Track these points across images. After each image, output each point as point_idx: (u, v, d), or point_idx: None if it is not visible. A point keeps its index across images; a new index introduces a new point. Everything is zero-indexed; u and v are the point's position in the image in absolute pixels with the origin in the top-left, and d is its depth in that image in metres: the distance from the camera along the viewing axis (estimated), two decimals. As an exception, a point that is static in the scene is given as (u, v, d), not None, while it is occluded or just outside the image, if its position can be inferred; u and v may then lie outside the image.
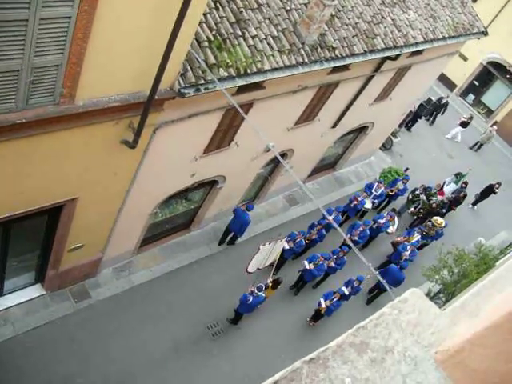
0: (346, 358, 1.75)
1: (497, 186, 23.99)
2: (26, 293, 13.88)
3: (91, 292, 14.79)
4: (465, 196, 23.05)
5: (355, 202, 19.54)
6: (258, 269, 14.98)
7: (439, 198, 22.03)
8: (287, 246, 16.40)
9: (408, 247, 18.49)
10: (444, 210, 21.93)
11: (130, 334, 14.47)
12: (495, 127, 28.15)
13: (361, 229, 18.37)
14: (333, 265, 16.97)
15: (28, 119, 8.12)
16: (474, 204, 24.65)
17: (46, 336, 13.52)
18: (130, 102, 9.31)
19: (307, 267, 16.66)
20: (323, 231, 17.68)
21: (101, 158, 10.35)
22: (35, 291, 14.02)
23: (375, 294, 18.30)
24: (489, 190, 24.17)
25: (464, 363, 1.73)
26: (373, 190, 20.25)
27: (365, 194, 20.00)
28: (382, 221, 19.31)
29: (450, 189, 23.10)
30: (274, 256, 15.22)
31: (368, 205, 20.02)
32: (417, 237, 19.15)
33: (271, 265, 15.59)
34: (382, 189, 20.39)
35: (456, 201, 22.78)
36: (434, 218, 20.21)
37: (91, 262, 14.18)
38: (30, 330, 13.47)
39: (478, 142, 28.08)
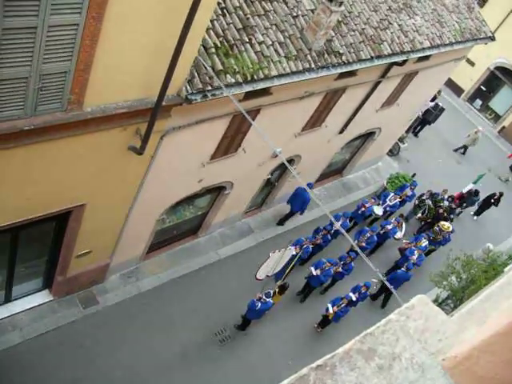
0: (354, 364, 1.74)
1: (497, 196, 23.73)
2: (33, 299, 13.92)
3: (99, 298, 14.81)
4: (471, 194, 23.27)
5: (363, 209, 19.55)
6: (267, 276, 14.96)
7: (446, 203, 21.95)
8: (294, 252, 16.37)
9: (415, 251, 18.47)
10: (452, 216, 21.89)
11: (137, 340, 14.47)
12: (481, 128, 27.88)
13: (368, 235, 18.34)
14: (340, 270, 16.93)
15: (36, 126, 8.16)
16: (478, 214, 24.47)
17: (54, 342, 13.54)
18: (137, 108, 9.34)
19: (314, 273, 16.62)
20: (328, 236, 17.68)
21: (108, 164, 10.38)
22: (43, 297, 14.06)
23: (386, 296, 18.22)
24: (489, 201, 24.03)
25: (471, 370, 1.72)
26: (387, 200, 20.32)
27: (372, 200, 20.00)
28: (389, 226, 19.28)
29: (467, 189, 23.43)
30: (284, 263, 15.19)
31: (378, 211, 20.02)
32: (424, 242, 19.11)
33: (282, 271, 15.58)
34: (397, 200, 20.42)
35: (463, 197, 23.21)
36: (441, 222, 20.19)
37: (99, 268, 14.21)
38: (38, 335, 13.49)
39: (464, 144, 27.66)
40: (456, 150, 27.74)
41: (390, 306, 17.80)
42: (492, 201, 23.83)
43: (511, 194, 25.21)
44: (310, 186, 17.93)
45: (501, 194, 23.73)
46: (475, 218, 24.37)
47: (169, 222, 15.69)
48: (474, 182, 23.61)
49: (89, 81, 8.16)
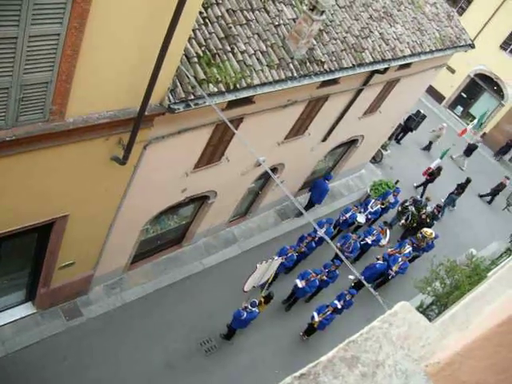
0: (337, 372, 1.74)
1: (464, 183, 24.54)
2: (16, 311, 13.75)
3: (83, 310, 14.67)
4: (440, 170, 24.20)
5: (344, 218, 19.62)
6: (254, 287, 14.91)
7: (428, 209, 22.08)
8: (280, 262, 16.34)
9: (399, 258, 18.55)
10: (434, 222, 22.04)
11: (122, 351, 14.35)
12: (445, 125, 28.21)
13: (351, 241, 18.37)
14: (325, 278, 16.92)
15: (18, 136, 8.09)
16: (453, 205, 25.03)
17: (38, 355, 13.38)
18: (119, 118, 9.30)
19: (299, 285, 16.56)
20: (313, 244, 17.66)
21: (91, 174, 10.32)
22: (26, 309, 13.90)
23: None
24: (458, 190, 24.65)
25: (455, 376, 1.72)
26: (369, 206, 20.40)
27: (355, 208, 20.05)
28: (371, 238, 19.32)
29: (435, 164, 24.60)
30: (270, 274, 15.15)
31: (361, 219, 20.08)
32: (408, 249, 19.20)
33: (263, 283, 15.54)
34: (379, 206, 20.51)
35: (432, 173, 24.22)
36: (424, 229, 20.30)
37: (82, 280, 14.09)
38: (21, 348, 13.32)
39: (430, 141, 27.97)
40: (424, 149, 28.12)
41: (373, 314, 17.80)
42: (460, 184, 24.51)
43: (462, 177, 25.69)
44: (328, 178, 19.54)
45: (468, 181, 24.36)
46: (451, 208, 24.94)
47: (153, 232, 15.61)
48: (441, 157, 25.05)
49: (71, 91, 8.11)
